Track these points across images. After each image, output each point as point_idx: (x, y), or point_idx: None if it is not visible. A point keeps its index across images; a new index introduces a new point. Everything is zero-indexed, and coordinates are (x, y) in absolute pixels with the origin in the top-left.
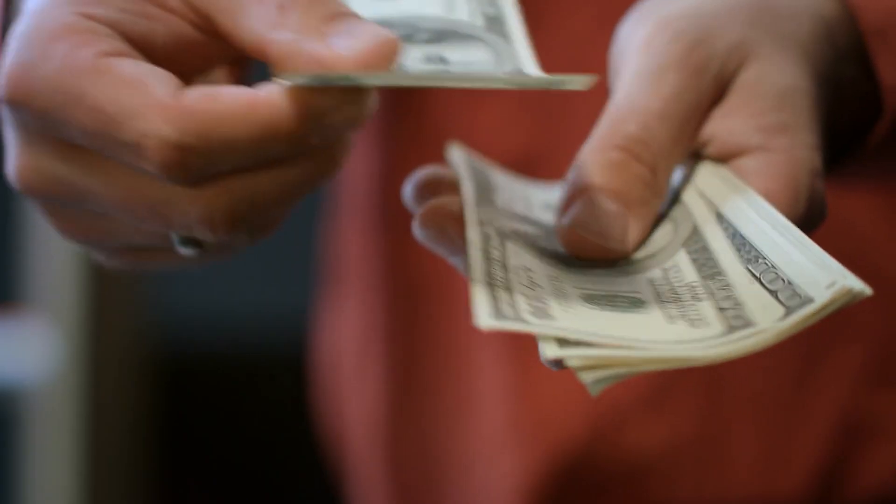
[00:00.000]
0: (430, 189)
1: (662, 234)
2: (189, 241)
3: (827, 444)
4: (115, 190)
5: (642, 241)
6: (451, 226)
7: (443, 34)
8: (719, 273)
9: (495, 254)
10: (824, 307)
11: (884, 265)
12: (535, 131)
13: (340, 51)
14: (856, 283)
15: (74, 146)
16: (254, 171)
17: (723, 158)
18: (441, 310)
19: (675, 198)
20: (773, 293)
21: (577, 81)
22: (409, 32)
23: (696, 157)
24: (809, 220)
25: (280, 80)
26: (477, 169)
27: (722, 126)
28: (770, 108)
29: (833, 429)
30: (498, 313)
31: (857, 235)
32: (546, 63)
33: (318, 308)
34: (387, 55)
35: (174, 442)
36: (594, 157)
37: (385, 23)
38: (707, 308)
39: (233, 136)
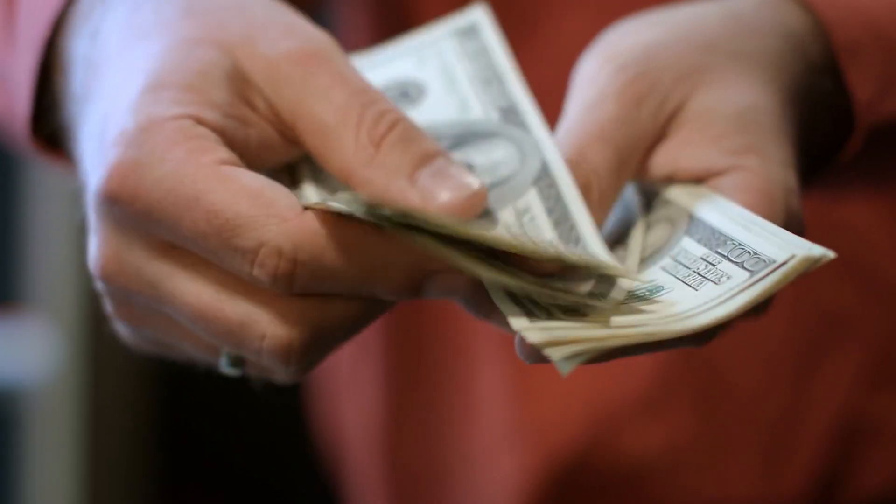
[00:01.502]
0: None
1: (660, 234)
2: (237, 363)
3: (825, 446)
4: (201, 299)
5: None
6: None
7: (463, 138)
8: (728, 239)
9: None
10: (788, 272)
11: (883, 267)
12: None
13: (430, 199)
14: (817, 250)
15: (170, 247)
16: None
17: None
18: (439, 314)
19: (665, 202)
20: (739, 263)
21: (618, 269)
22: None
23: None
24: None
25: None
26: None
27: (684, 155)
28: (731, 131)
29: (831, 431)
30: (534, 318)
31: (857, 237)
32: (541, 66)
33: None
34: (475, 206)
35: (174, 442)
36: None
37: None
38: (726, 265)
39: (348, 262)
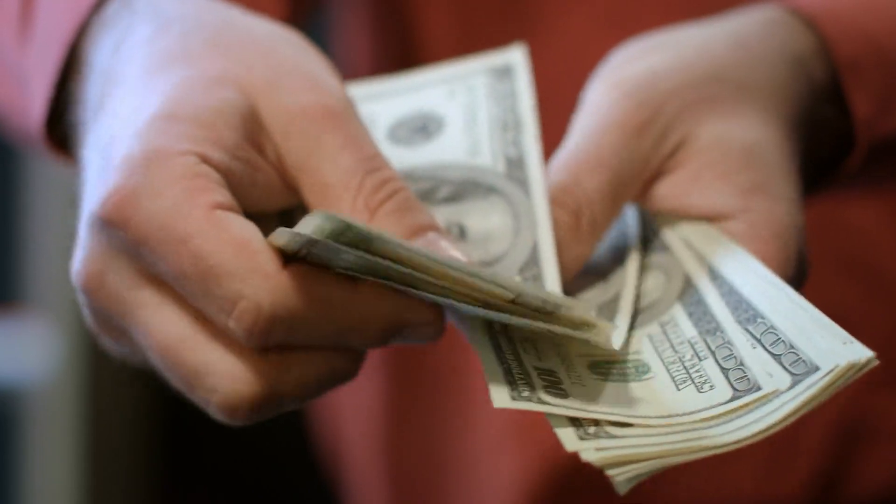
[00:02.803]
0: None
1: (654, 284)
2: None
3: (826, 446)
4: (167, 337)
5: (570, 279)
6: None
7: (464, 187)
8: (718, 328)
9: (498, 327)
10: (834, 380)
11: (886, 267)
12: None
13: None
14: (863, 353)
15: (152, 278)
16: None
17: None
18: None
19: (663, 246)
20: (777, 357)
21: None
22: (432, 186)
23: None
24: (797, 277)
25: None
26: None
27: (694, 190)
28: (739, 168)
29: (832, 431)
30: (516, 393)
31: (860, 237)
32: (543, 63)
33: None
34: None
35: (173, 442)
36: None
37: (409, 173)
38: (711, 367)
39: (325, 321)
